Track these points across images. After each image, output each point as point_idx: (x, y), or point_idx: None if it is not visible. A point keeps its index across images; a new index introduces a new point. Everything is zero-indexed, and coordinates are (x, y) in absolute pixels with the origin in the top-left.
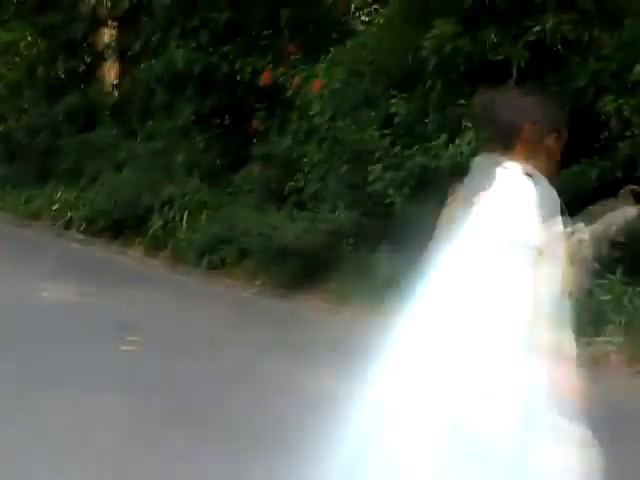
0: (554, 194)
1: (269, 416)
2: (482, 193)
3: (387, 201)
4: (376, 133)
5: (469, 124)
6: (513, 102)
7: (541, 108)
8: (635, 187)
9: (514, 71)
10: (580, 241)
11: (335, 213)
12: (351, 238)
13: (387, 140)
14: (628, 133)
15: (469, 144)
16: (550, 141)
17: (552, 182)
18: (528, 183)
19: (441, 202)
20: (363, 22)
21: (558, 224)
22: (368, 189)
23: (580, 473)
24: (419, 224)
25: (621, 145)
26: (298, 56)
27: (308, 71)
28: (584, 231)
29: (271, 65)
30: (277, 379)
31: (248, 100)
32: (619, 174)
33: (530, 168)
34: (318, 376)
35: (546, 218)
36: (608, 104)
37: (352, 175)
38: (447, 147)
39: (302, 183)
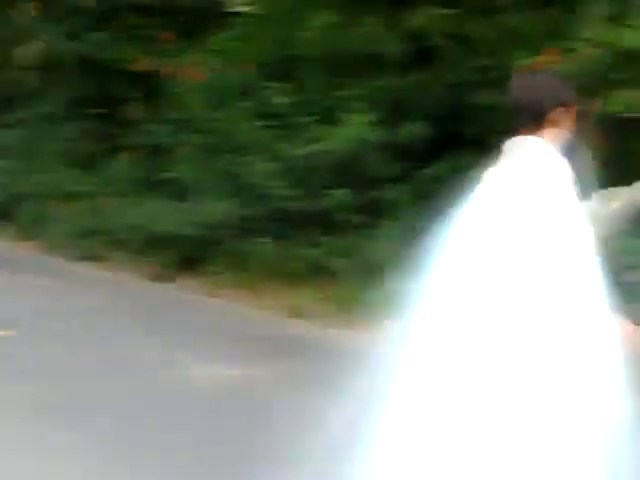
0: (561, 165)
1: (147, 401)
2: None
3: (266, 192)
4: (254, 124)
5: (348, 113)
6: (536, 84)
7: (559, 88)
8: None
9: (394, 62)
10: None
11: (212, 203)
12: (228, 229)
13: (265, 131)
14: (503, 127)
15: (348, 133)
16: (566, 117)
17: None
18: (550, 159)
19: (321, 191)
20: (241, 11)
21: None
22: (246, 180)
23: None
24: (298, 213)
25: (496, 139)
26: (173, 44)
27: (184, 59)
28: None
29: (145, 53)
30: (153, 364)
31: (122, 88)
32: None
33: (550, 142)
34: (193, 361)
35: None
36: (484, 98)
37: (230, 166)
38: (326, 137)
39: (177, 173)
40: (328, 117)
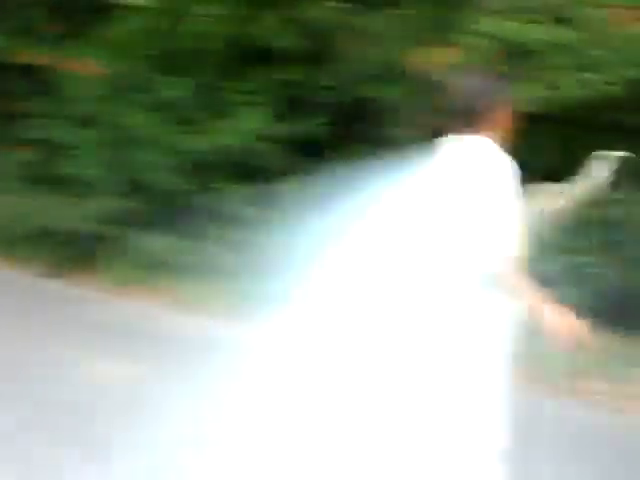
0: (506, 162)
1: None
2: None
3: (159, 186)
4: (147, 117)
5: (243, 107)
6: (476, 85)
7: (501, 89)
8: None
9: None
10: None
11: (104, 198)
12: (119, 224)
13: (159, 125)
14: (400, 121)
15: (243, 127)
16: (504, 116)
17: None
18: (502, 156)
19: (215, 185)
20: (132, 3)
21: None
22: (139, 174)
23: None
24: (191, 208)
25: (393, 133)
26: (62, 37)
27: (73, 52)
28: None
29: (32, 46)
30: (40, 362)
31: (10, 82)
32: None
33: (487, 140)
34: (93, 358)
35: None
36: (380, 92)
37: (122, 160)
38: (220, 130)
39: (69, 168)
40: (223, 111)
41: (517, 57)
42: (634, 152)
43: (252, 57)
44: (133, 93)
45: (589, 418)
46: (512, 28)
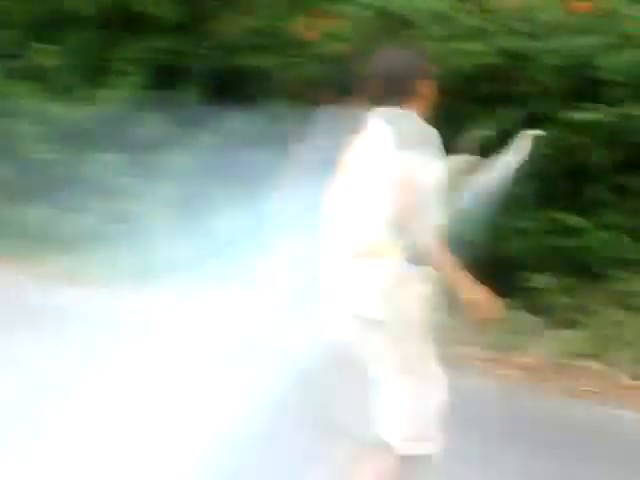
0: (429, 133)
1: None
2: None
3: (36, 156)
4: (19, 85)
5: (119, 75)
6: (403, 60)
7: (422, 62)
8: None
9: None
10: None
11: None
12: None
13: (33, 93)
14: (278, 91)
15: (119, 95)
16: (427, 90)
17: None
18: (417, 126)
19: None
20: None
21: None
22: (14, 144)
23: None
24: (69, 178)
25: (268, 102)
26: None
27: None
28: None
29: None
30: None
31: None
32: (265, 132)
33: (415, 114)
34: None
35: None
36: (254, 61)
37: None
38: (96, 99)
39: None
40: (96, 79)
41: (397, 27)
42: (507, 121)
43: (126, 25)
44: (4, 60)
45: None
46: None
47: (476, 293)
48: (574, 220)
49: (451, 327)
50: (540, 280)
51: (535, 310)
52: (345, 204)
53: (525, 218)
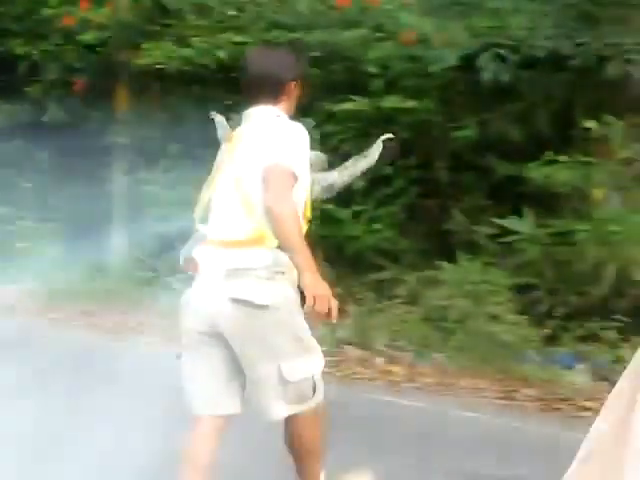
0: (298, 129)
1: None
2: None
3: None
4: None
5: None
6: (278, 60)
7: (295, 63)
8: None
9: None
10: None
11: None
12: None
13: None
14: (37, 77)
15: None
16: (296, 89)
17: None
18: (290, 123)
19: None
20: None
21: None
22: None
23: None
24: None
25: (30, 89)
26: None
27: None
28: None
29: None
30: None
31: None
32: (28, 118)
33: (283, 112)
34: None
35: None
36: (17, 48)
37: None
38: None
39: None
40: None
41: (158, 16)
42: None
43: None
44: None
45: None
46: None
47: (321, 287)
48: (335, 210)
49: None
50: None
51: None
52: (221, 195)
53: None
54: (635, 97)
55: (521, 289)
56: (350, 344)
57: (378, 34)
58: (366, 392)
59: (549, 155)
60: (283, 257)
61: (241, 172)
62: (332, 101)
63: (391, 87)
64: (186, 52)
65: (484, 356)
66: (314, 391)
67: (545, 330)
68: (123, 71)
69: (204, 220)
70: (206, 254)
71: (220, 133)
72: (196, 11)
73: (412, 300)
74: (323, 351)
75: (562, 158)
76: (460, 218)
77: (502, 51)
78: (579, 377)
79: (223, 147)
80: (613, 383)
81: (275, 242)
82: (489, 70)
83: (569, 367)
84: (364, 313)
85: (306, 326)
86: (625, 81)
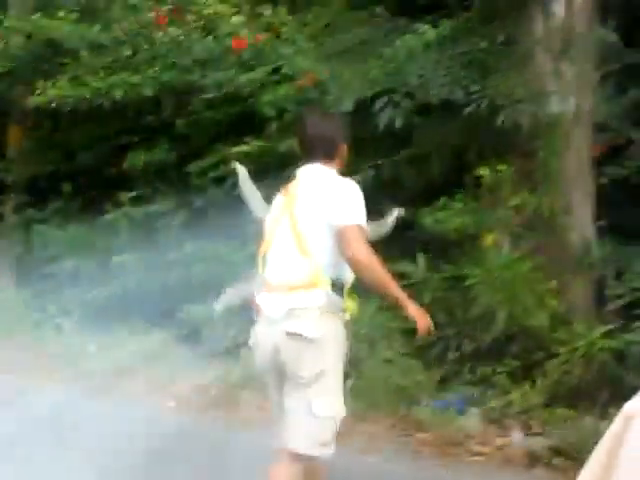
0: (352, 185)
1: None
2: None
3: None
4: None
5: None
6: (331, 124)
7: (343, 128)
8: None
9: None
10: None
11: None
12: None
13: None
14: None
15: None
16: (346, 151)
17: None
18: (348, 181)
19: None
20: None
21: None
22: None
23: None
24: None
25: None
26: None
27: None
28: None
29: None
30: None
31: None
32: None
33: (335, 170)
34: None
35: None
36: None
37: None
38: None
39: None
40: None
41: (49, 54)
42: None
43: None
44: None
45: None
46: (42, 25)
47: (422, 311)
48: (228, 253)
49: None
50: (196, 311)
51: (193, 340)
52: (281, 245)
53: (178, 249)
54: (525, 145)
55: (413, 333)
56: (245, 387)
57: (274, 77)
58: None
59: (442, 201)
60: (334, 298)
61: (301, 223)
62: (228, 143)
63: (287, 130)
64: (81, 91)
65: (378, 401)
66: (332, 439)
67: (438, 374)
68: (16, 109)
69: (262, 267)
70: (268, 298)
71: (242, 184)
72: (91, 50)
73: None
74: (217, 393)
75: (454, 204)
76: None
77: (397, 97)
78: (470, 421)
79: (278, 199)
80: (503, 427)
81: (328, 285)
82: (384, 116)
83: (460, 411)
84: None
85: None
86: (516, 129)
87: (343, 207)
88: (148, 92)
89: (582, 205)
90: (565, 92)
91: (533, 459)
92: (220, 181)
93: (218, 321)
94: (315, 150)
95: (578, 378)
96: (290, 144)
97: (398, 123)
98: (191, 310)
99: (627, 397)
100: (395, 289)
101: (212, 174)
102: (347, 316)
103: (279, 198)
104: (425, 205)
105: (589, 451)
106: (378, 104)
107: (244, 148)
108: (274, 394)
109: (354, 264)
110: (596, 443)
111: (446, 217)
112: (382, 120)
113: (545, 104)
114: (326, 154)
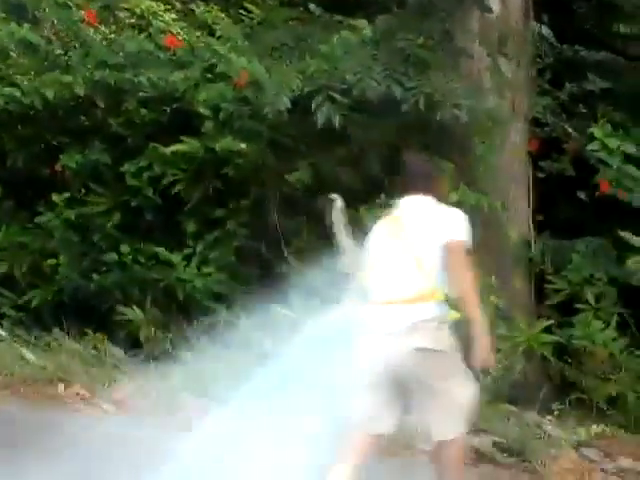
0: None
1: None
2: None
3: None
4: None
5: None
6: (429, 162)
7: (434, 165)
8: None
9: None
10: None
11: None
12: None
13: None
14: None
15: None
16: (438, 183)
17: None
18: (452, 208)
19: None
20: None
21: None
22: None
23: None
24: None
25: None
26: None
27: None
28: None
29: None
30: None
31: None
32: None
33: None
34: None
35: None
36: None
37: None
38: None
39: None
40: None
41: None
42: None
43: None
44: None
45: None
46: None
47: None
48: (165, 254)
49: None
50: (132, 313)
51: (131, 344)
52: (397, 263)
53: (113, 251)
54: (463, 140)
55: None
56: (185, 390)
57: (209, 75)
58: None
59: (382, 198)
60: (445, 309)
61: (415, 243)
62: (163, 142)
63: (223, 129)
64: (11, 91)
65: None
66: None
67: None
68: None
69: (373, 286)
70: (384, 312)
71: (334, 217)
72: (21, 49)
73: (247, 345)
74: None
75: (394, 201)
76: (293, 261)
77: (334, 94)
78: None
79: (384, 226)
80: None
81: (441, 297)
82: (322, 113)
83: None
84: (198, 358)
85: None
86: (454, 124)
87: (451, 226)
88: (80, 91)
89: (520, 200)
90: (502, 87)
91: (479, 456)
92: (156, 181)
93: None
94: (418, 184)
95: (519, 373)
96: (226, 143)
97: (336, 120)
98: (128, 312)
99: (568, 392)
100: (482, 325)
101: (148, 174)
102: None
103: (383, 225)
104: (365, 203)
105: (532, 448)
106: (315, 101)
107: (179, 147)
108: (385, 400)
109: (457, 288)
110: (539, 439)
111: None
112: (320, 117)
113: (482, 99)
114: (428, 186)
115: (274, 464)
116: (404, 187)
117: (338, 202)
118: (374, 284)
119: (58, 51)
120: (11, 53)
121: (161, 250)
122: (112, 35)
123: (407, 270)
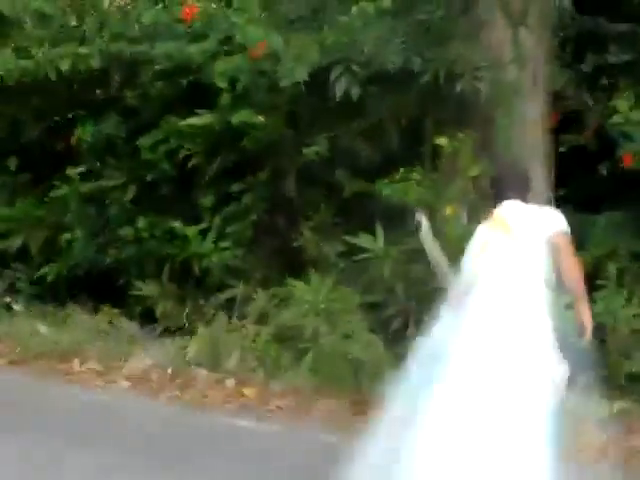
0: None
1: None
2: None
3: None
4: None
5: None
6: (523, 168)
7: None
8: None
9: None
10: None
11: None
12: None
13: None
14: None
15: None
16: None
17: None
18: (551, 209)
19: None
20: None
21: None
22: None
23: None
24: None
25: None
26: None
27: None
28: None
29: None
30: None
31: None
32: None
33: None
34: None
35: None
36: None
37: None
38: None
39: None
40: None
41: None
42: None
43: None
44: None
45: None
46: None
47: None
48: (181, 228)
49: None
50: (148, 288)
51: (146, 318)
52: (505, 261)
53: (129, 225)
54: (484, 112)
55: (373, 307)
56: (200, 365)
57: (226, 47)
58: (220, 416)
59: (400, 172)
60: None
61: (522, 241)
62: (179, 116)
63: (240, 102)
64: (26, 63)
65: (338, 376)
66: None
67: (398, 348)
68: None
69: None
70: (492, 308)
71: (424, 236)
72: (36, 21)
73: (263, 319)
74: (172, 372)
75: (413, 175)
76: (310, 235)
77: (353, 66)
78: None
79: (483, 230)
80: None
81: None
82: (340, 85)
83: None
84: (214, 333)
85: None
86: (474, 97)
87: (554, 222)
88: (96, 64)
89: (540, 174)
90: (522, 59)
91: None
92: (171, 155)
93: None
94: (514, 189)
95: None
96: (242, 115)
97: (354, 93)
98: (143, 287)
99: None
100: (586, 303)
101: (163, 148)
102: None
103: (484, 229)
104: (383, 177)
105: None
106: (334, 73)
107: (195, 120)
108: None
109: (566, 274)
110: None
111: (405, 188)
112: (338, 90)
113: (502, 72)
114: (523, 191)
115: None
116: (501, 193)
117: (424, 221)
118: (484, 286)
119: (73, 23)
120: (25, 24)
121: (177, 224)
122: (128, 7)
123: (518, 268)
